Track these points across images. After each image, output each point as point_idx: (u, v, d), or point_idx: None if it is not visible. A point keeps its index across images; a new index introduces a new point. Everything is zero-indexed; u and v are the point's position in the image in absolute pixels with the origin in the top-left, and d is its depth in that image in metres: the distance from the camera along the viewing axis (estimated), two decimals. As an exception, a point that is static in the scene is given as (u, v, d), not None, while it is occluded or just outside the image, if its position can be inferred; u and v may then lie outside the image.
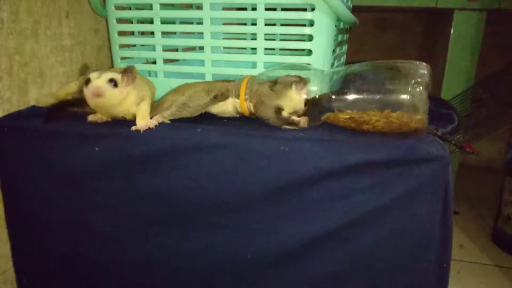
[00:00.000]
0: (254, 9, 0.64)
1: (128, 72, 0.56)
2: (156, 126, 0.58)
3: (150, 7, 0.68)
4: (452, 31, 1.28)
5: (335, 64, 0.73)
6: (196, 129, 0.57)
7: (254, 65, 0.66)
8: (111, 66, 0.78)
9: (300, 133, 0.56)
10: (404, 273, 0.56)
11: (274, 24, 0.75)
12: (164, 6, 0.68)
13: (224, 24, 0.82)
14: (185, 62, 0.81)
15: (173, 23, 0.80)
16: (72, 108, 0.63)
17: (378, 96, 0.55)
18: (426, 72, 0.53)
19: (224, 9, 0.86)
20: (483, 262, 1.22)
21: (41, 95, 0.69)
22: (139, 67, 0.70)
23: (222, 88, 0.59)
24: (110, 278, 0.65)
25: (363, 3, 1.32)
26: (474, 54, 1.29)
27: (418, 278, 0.56)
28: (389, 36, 1.88)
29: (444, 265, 0.55)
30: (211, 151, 0.55)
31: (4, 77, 0.63)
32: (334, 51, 0.68)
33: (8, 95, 0.64)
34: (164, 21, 0.69)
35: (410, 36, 1.85)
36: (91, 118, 0.60)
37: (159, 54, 0.70)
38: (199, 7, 0.66)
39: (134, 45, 0.75)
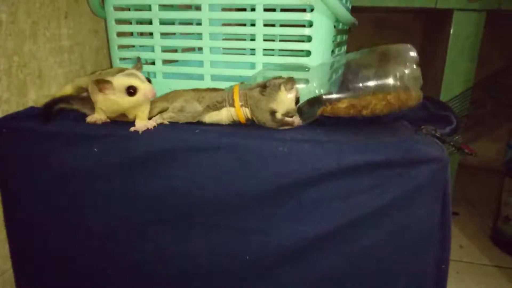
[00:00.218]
0: (253, 10, 0.64)
1: (139, 61, 0.60)
2: (154, 127, 0.58)
3: (149, 8, 0.68)
4: (451, 32, 1.28)
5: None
6: (195, 130, 0.57)
7: (253, 66, 0.66)
8: (110, 67, 0.78)
9: (298, 134, 0.56)
10: (403, 274, 0.56)
11: (273, 25, 0.75)
12: (163, 7, 0.68)
13: (223, 25, 0.82)
14: (184, 63, 0.81)
15: (172, 24, 0.80)
16: (71, 106, 0.63)
17: (374, 82, 0.57)
18: (414, 52, 0.57)
19: (223, 10, 0.86)
20: (483, 262, 1.22)
21: (40, 96, 0.69)
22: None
23: (213, 98, 0.59)
24: (109, 278, 0.65)
25: (363, 3, 1.32)
26: (474, 55, 1.29)
27: (416, 279, 0.56)
28: (389, 36, 1.88)
29: (443, 265, 0.56)
30: (209, 152, 0.55)
31: (3, 78, 0.63)
32: (333, 51, 0.68)
33: (7, 96, 0.64)
34: (163, 22, 0.69)
35: (410, 37, 1.85)
36: (89, 119, 0.60)
37: (158, 55, 0.70)
38: (198, 8, 0.66)
39: (133, 46, 0.75)
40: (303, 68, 0.63)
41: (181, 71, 0.72)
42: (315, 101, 0.59)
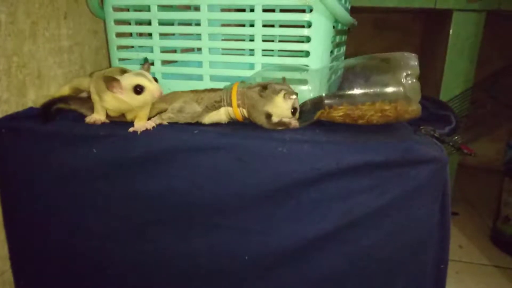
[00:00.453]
0: (252, 10, 0.64)
1: (147, 62, 0.60)
2: (154, 127, 0.58)
3: (148, 8, 0.68)
4: (451, 32, 1.28)
5: (333, 65, 0.73)
6: (194, 130, 0.57)
7: (252, 66, 0.66)
8: (109, 67, 0.78)
9: (297, 135, 0.56)
10: (402, 274, 0.56)
11: (272, 26, 0.75)
12: (162, 7, 0.68)
13: (222, 25, 0.82)
14: (183, 63, 0.81)
15: (171, 24, 0.80)
16: (69, 106, 0.63)
17: (372, 90, 0.56)
18: (416, 62, 0.55)
19: (222, 10, 0.86)
20: (482, 262, 1.22)
21: (40, 96, 0.69)
22: (137, 68, 0.70)
23: (211, 98, 0.59)
24: (108, 279, 0.65)
25: (362, 3, 1.32)
26: (473, 55, 1.29)
27: (416, 279, 0.56)
28: (388, 37, 1.88)
29: (442, 266, 0.56)
30: (208, 153, 0.55)
31: (2, 79, 0.63)
32: (332, 52, 0.68)
33: (6, 97, 0.64)
34: (162, 23, 0.69)
35: (409, 37, 1.85)
36: (88, 119, 0.60)
37: (157, 56, 0.70)
38: (197, 8, 0.66)
39: (132, 47, 0.75)
40: (302, 69, 0.63)
41: (180, 71, 0.72)
42: (316, 102, 0.59)
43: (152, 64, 0.71)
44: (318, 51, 0.63)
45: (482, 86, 1.32)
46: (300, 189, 0.54)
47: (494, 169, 1.74)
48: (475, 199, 1.61)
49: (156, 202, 0.59)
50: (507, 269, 1.19)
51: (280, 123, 0.57)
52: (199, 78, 0.69)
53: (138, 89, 0.55)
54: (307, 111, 0.59)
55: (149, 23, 0.69)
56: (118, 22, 0.72)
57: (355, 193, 0.53)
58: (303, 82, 0.61)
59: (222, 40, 0.89)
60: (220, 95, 0.59)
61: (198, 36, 0.67)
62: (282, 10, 0.71)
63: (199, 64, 0.68)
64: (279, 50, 0.80)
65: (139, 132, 0.57)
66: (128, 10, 0.74)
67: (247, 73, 0.65)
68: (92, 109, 0.61)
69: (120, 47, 0.73)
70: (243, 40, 0.87)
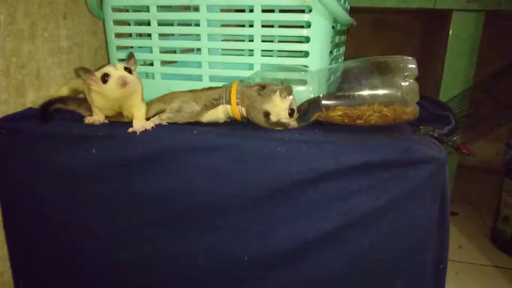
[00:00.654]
0: (251, 11, 0.64)
1: (131, 58, 0.58)
2: (153, 128, 0.58)
3: (147, 9, 0.68)
4: (450, 32, 1.28)
5: (333, 65, 0.73)
6: (193, 131, 0.57)
7: (251, 67, 0.66)
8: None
9: (296, 135, 0.56)
10: (401, 274, 0.56)
11: (271, 26, 0.75)
12: (161, 8, 0.68)
13: (222, 25, 0.82)
14: (183, 63, 0.81)
15: (171, 25, 0.80)
16: (67, 106, 0.63)
17: (369, 92, 0.56)
18: (414, 65, 0.56)
19: (221, 11, 0.86)
20: (482, 262, 1.22)
21: (39, 97, 0.69)
22: (136, 68, 0.70)
23: (209, 96, 0.59)
24: (108, 279, 0.65)
25: (362, 4, 1.32)
26: (473, 55, 1.29)
27: (415, 279, 0.56)
28: (388, 37, 1.88)
29: (441, 266, 0.56)
30: (207, 153, 0.55)
31: (1, 79, 0.63)
32: (331, 52, 0.68)
33: (5, 97, 0.64)
34: (161, 23, 0.69)
35: (409, 37, 1.85)
36: (87, 120, 0.60)
37: (157, 56, 0.70)
38: (196, 9, 0.66)
39: (132, 47, 0.75)
40: (301, 69, 0.63)
41: (179, 72, 0.72)
42: (313, 103, 0.59)
43: (151, 64, 0.71)
44: (317, 51, 0.63)
45: (482, 86, 1.32)
46: (299, 189, 0.54)
47: (494, 169, 1.74)
48: (475, 199, 1.61)
49: (155, 203, 0.59)
50: (506, 269, 1.19)
51: (279, 123, 0.58)
52: (199, 78, 0.69)
53: (106, 78, 0.55)
54: (305, 112, 0.59)
55: (148, 23, 0.69)
56: (118, 22, 0.72)
57: (354, 193, 0.53)
58: (302, 82, 0.61)
59: (222, 40, 0.89)
60: (218, 93, 0.59)
61: (197, 37, 0.67)
62: (281, 11, 0.71)
63: (199, 64, 0.68)
64: (278, 51, 0.80)
65: (138, 133, 0.57)
66: (127, 10, 0.74)
67: (247, 74, 0.65)
68: (89, 109, 0.61)
69: (120, 48, 0.73)
70: (243, 40, 0.87)
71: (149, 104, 0.61)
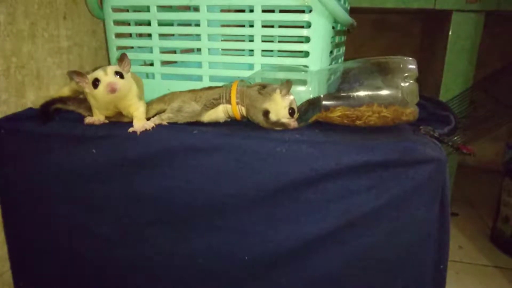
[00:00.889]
0: (252, 11, 0.64)
1: (123, 59, 0.57)
2: (153, 128, 0.58)
3: (147, 9, 0.68)
4: (450, 33, 1.28)
5: (333, 65, 0.73)
6: (193, 131, 0.57)
7: (251, 67, 0.66)
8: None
9: (296, 135, 0.56)
10: (401, 275, 0.56)
11: (271, 26, 0.75)
12: (161, 8, 0.68)
13: (222, 26, 0.82)
14: (183, 64, 0.81)
15: (171, 25, 0.80)
16: (67, 106, 0.63)
17: (369, 93, 0.56)
18: (414, 66, 0.56)
19: (221, 11, 0.86)
20: (482, 263, 1.22)
21: (39, 97, 0.69)
22: (136, 69, 0.70)
23: (209, 96, 0.59)
24: (108, 279, 0.65)
25: (362, 4, 1.32)
26: (472, 56, 1.29)
27: (415, 280, 0.56)
28: (388, 37, 1.88)
29: (441, 266, 0.55)
30: (207, 153, 0.55)
31: (1, 79, 0.63)
32: (331, 52, 0.68)
33: (5, 97, 0.64)
34: (161, 23, 0.69)
35: (409, 38, 1.85)
36: (88, 120, 0.60)
37: (157, 56, 0.70)
38: (196, 9, 0.66)
39: (132, 47, 0.75)
40: (301, 69, 0.63)
41: (179, 72, 0.72)
42: (313, 103, 0.59)
43: (151, 64, 0.71)
44: (318, 51, 0.63)
45: (482, 86, 1.32)
46: (299, 189, 0.54)
47: (494, 169, 1.75)
48: (475, 199, 1.61)
49: (155, 203, 0.59)
50: (507, 269, 1.19)
51: (279, 123, 0.58)
52: (199, 78, 0.69)
53: (96, 83, 0.55)
54: (305, 112, 0.59)
55: (148, 23, 0.69)
56: (118, 22, 0.72)
57: (354, 193, 0.53)
58: (302, 82, 0.61)
59: (222, 40, 0.89)
60: (218, 93, 0.59)
61: (197, 37, 0.67)
62: (281, 11, 0.71)
63: (199, 64, 0.68)
64: (278, 51, 0.80)
65: (138, 133, 0.57)
66: (127, 10, 0.74)
67: (247, 74, 0.65)
68: (89, 109, 0.61)
69: (120, 48, 0.73)
70: (243, 40, 0.87)
71: (149, 104, 0.61)
